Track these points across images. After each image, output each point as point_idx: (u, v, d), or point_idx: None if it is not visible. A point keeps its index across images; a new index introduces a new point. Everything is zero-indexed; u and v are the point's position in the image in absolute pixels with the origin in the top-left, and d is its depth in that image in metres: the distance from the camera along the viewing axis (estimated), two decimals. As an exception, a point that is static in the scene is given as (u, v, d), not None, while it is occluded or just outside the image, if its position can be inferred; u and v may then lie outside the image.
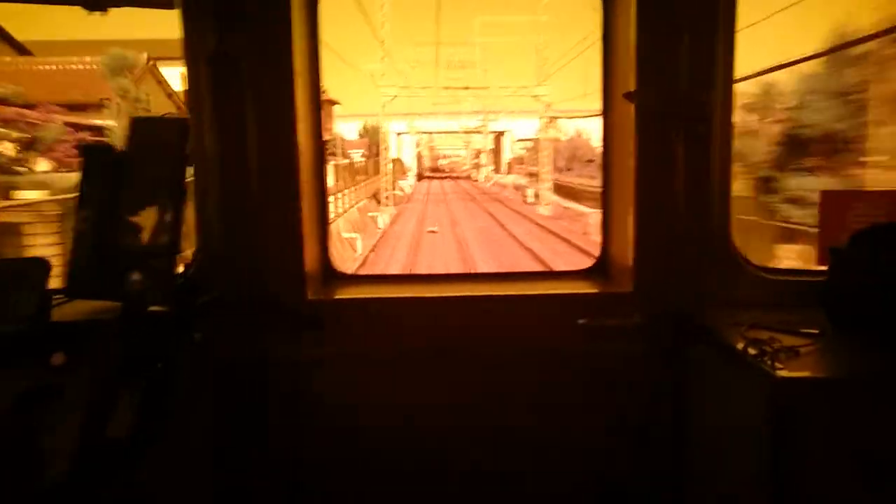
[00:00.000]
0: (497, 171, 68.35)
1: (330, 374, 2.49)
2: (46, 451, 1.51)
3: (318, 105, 2.65)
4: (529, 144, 56.34)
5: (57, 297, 1.94)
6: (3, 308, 1.79)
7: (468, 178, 73.66)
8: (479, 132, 63.24)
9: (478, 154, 74.91)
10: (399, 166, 54.21)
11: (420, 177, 71.38)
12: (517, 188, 47.65)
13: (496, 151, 69.22)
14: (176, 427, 1.84)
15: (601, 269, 2.78)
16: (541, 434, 2.56)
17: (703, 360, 2.34)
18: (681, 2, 2.37)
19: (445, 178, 76.01)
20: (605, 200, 2.78)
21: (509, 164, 66.82)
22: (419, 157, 77.35)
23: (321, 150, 2.72)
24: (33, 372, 1.72)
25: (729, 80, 2.42)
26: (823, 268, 2.38)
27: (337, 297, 2.58)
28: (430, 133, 73.69)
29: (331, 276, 2.74)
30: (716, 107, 2.41)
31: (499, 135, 67.02)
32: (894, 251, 2.13)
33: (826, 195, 2.56)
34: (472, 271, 17.33)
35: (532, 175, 44.18)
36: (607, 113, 2.71)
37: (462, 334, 2.51)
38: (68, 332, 1.85)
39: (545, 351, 2.51)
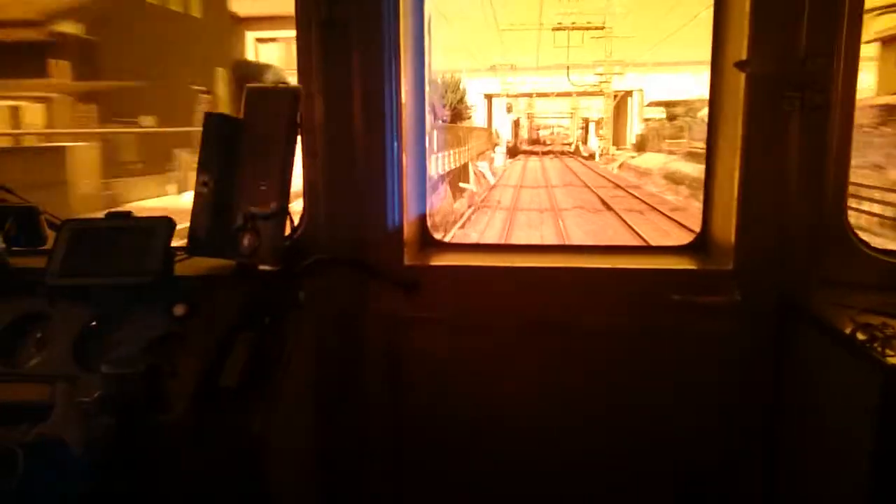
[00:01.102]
0: (620, 145, 50.02)
1: (423, 336, 2.58)
2: (169, 393, 1.66)
3: (424, 75, 2.70)
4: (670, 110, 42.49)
5: (179, 254, 2.11)
6: (133, 262, 1.97)
7: (576, 153, 58.97)
8: (599, 92, 48.19)
9: (586, 123, 62.61)
10: (484, 138, 42.98)
11: (514, 152, 57.90)
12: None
13: (615, 119, 50.93)
14: (282, 379, 1.97)
15: (701, 244, 2.70)
16: (628, 412, 2.54)
17: (806, 343, 2.25)
18: None
19: (546, 153, 61.85)
20: (709, 173, 2.68)
21: (641, 136, 47.08)
22: (515, 127, 66.52)
23: (423, 119, 2.78)
24: (158, 321, 1.90)
25: (855, 48, 2.26)
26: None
27: (432, 263, 2.65)
28: (530, 95, 59.43)
29: (427, 242, 2.81)
30: (837, 76, 2.26)
31: (623, 96, 49.00)
32: None
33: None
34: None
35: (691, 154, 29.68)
36: (715, 82, 2.59)
37: (554, 306, 2.52)
38: (189, 286, 2.01)
39: (639, 327, 2.48)
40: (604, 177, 35.90)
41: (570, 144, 66.90)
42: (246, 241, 2.04)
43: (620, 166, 41.09)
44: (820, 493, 2.14)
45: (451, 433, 2.62)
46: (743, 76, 2.32)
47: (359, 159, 2.48)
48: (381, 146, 2.48)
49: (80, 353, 1.85)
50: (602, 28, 42.98)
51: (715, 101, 2.61)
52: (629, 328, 2.49)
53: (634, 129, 48.90)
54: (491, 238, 18.94)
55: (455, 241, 18.68)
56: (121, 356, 1.69)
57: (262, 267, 2.08)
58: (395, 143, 2.49)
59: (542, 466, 2.61)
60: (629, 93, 48.60)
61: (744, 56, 2.31)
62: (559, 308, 2.52)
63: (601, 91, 47.68)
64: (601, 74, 45.80)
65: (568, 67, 45.34)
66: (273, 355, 1.97)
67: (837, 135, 2.30)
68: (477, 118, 46.18)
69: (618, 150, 48.15)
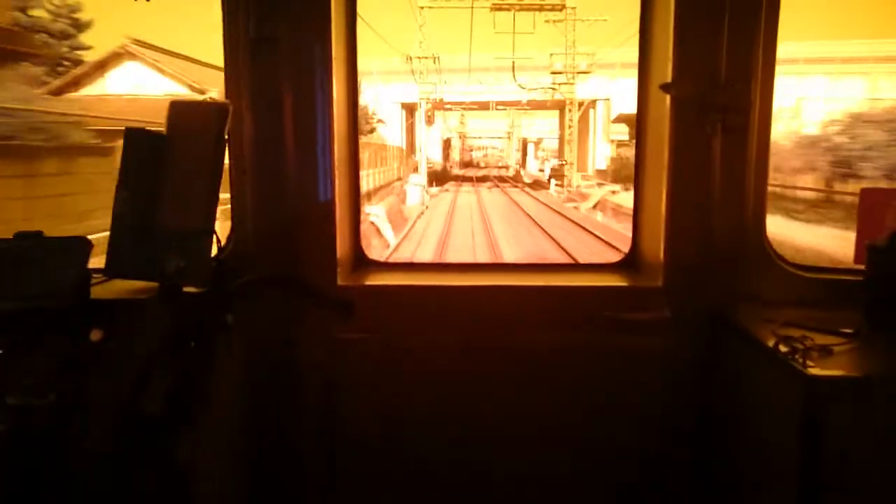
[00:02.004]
0: (581, 168, 36.25)
1: (359, 358, 2.52)
2: (84, 424, 1.56)
3: (356, 89, 2.67)
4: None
5: (96, 275, 2.00)
6: (45, 284, 1.85)
7: (516, 180, 49.92)
8: (556, 104, 34.75)
9: (524, 145, 57.52)
10: (395, 160, 32.00)
11: (443, 178, 46.79)
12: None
13: (570, 137, 34.27)
14: (210, 404, 1.88)
15: (631, 262, 2.76)
16: (565, 427, 2.56)
17: (733, 357, 2.32)
18: None
19: (482, 179, 51.18)
20: (637, 192, 2.76)
21: (615, 159, 33.55)
22: (446, 147, 59.41)
23: (356, 135, 2.75)
24: (72, 347, 1.78)
25: (770, 71, 2.37)
26: (860, 266, 2.33)
27: (367, 283, 2.61)
28: (461, 105, 46.27)
29: (362, 262, 2.77)
30: (755, 98, 2.37)
31: (586, 107, 35.79)
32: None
33: (865, 192, 2.51)
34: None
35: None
36: (642, 104, 2.68)
37: (489, 324, 2.52)
38: (107, 309, 1.90)
39: (572, 343, 2.50)
40: (580, 226, 22.67)
41: (506, 167, 61.61)
42: (170, 262, 1.94)
43: (597, 206, 28.25)
44: (751, 500, 2.20)
45: (389, 455, 2.57)
46: (668, 98, 2.40)
47: (289, 176, 2.42)
48: (313, 163, 2.43)
49: None
50: (562, 7, 28.99)
51: (642, 122, 2.69)
52: (563, 345, 2.51)
53: (599, 150, 37.74)
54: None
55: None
56: (29, 385, 1.57)
57: (187, 289, 1.99)
58: (328, 160, 2.45)
59: (480, 486, 2.59)
60: (592, 103, 36.08)
61: (668, 79, 2.40)
62: (494, 326, 2.52)
63: (561, 99, 33.60)
64: (561, 72, 31.59)
65: (514, 64, 32.15)
66: (200, 380, 1.88)
67: (756, 155, 2.40)
68: (391, 134, 37.30)
69: (583, 176, 36.13)
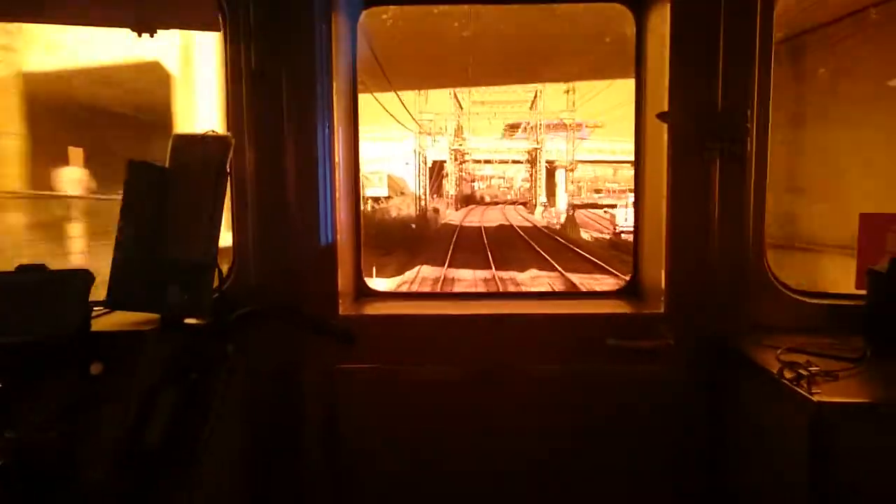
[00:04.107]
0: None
1: (361, 388, 2.50)
2: (85, 458, 1.54)
3: (356, 124, 2.70)
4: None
5: (97, 308, 1.99)
6: (47, 317, 1.84)
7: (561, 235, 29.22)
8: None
9: (552, 170, 39.12)
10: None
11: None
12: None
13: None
14: (211, 437, 1.87)
15: (633, 289, 2.76)
16: (569, 455, 2.53)
17: (737, 384, 2.30)
18: (716, 18, 2.35)
19: (495, 226, 33.39)
20: (638, 221, 2.77)
21: None
22: (435, 176, 39.11)
23: (357, 167, 2.77)
24: (73, 380, 1.77)
25: (766, 100, 2.40)
26: (862, 292, 2.33)
27: (369, 312, 2.61)
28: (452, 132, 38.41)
29: (363, 292, 2.77)
30: (752, 127, 2.39)
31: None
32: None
33: (865, 218, 2.52)
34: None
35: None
36: (640, 133, 2.70)
37: (492, 353, 2.51)
38: (108, 342, 1.89)
39: (575, 371, 2.49)
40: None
41: (524, 203, 42.16)
42: (172, 293, 1.94)
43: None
44: None
45: (392, 486, 2.54)
46: (665, 128, 2.43)
47: (291, 210, 2.44)
48: (314, 197, 2.44)
49: None
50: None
51: (640, 151, 2.71)
52: (566, 373, 2.50)
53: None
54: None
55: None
56: (30, 421, 1.56)
57: (188, 320, 1.99)
58: (329, 193, 2.47)
59: None
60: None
61: (665, 107, 2.42)
62: (497, 355, 2.51)
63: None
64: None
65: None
66: (201, 412, 1.87)
67: (755, 183, 2.42)
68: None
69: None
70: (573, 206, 41.75)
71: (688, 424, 2.47)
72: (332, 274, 2.49)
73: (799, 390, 1.84)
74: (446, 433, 2.52)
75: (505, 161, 49.26)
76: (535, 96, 42.15)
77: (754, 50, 2.36)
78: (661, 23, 2.46)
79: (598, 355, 2.45)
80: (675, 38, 2.38)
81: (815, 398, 1.80)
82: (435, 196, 41.32)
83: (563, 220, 37.96)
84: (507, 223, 37.78)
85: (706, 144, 2.38)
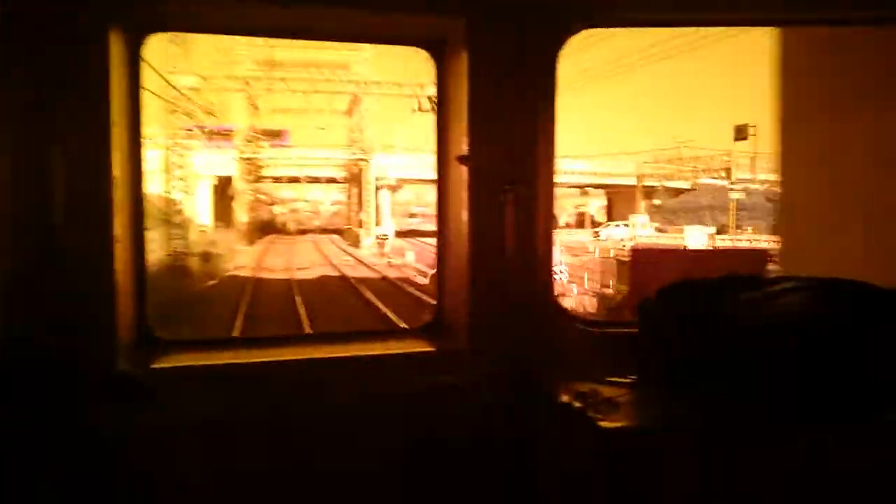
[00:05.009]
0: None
1: (149, 450, 2.24)
2: None
3: (140, 153, 2.46)
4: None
5: None
6: None
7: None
8: None
9: (388, 192, 33.31)
10: None
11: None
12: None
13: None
14: None
15: (437, 327, 2.80)
16: (382, 494, 2.48)
17: (537, 414, 2.42)
18: (508, 68, 2.49)
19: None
20: (440, 259, 2.82)
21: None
22: (219, 196, 32.38)
23: (140, 201, 2.51)
24: None
25: (550, 142, 2.58)
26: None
27: (154, 366, 2.34)
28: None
29: (148, 340, 2.49)
30: (539, 172, 2.55)
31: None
32: (696, 306, 2.36)
33: (636, 251, 2.81)
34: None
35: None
36: (442, 174, 2.77)
37: (294, 398, 2.39)
38: None
39: (383, 412, 2.46)
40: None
41: (340, 231, 35.00)
42: None
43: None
44: None
45: None
46: (465, 169, 2.52)
47: (58, 247, 2.14)
48: (86, 232, 2.18)
49: None
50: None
51: (442, 191, 2.78)
52: (373, 413, 2.45)
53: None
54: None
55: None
56: None
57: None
58: (105, 231, 2.21)
59: None
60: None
61: (464, 150, 2.51)
62: (302, 400, 2.40)
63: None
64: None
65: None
66: None
67: (542, 223, 2.58)
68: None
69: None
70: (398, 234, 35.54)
71: (493, 455, 2.54)
72: (109, 321, 2.22)
73: (587, 418, 1.99)
74: (249, 489, 2.35)
75: (317, 179, 39.65)
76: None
77: (543, 94, 2.54)
78: (460, 68, 2.55)
79: (405, 393, 2.45)
80: (473, 83, 2.49)
81: (601, 424, 1.95)
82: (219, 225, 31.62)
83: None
84: (331, 268, 27.10)
85: (504, 187, 2.50)
